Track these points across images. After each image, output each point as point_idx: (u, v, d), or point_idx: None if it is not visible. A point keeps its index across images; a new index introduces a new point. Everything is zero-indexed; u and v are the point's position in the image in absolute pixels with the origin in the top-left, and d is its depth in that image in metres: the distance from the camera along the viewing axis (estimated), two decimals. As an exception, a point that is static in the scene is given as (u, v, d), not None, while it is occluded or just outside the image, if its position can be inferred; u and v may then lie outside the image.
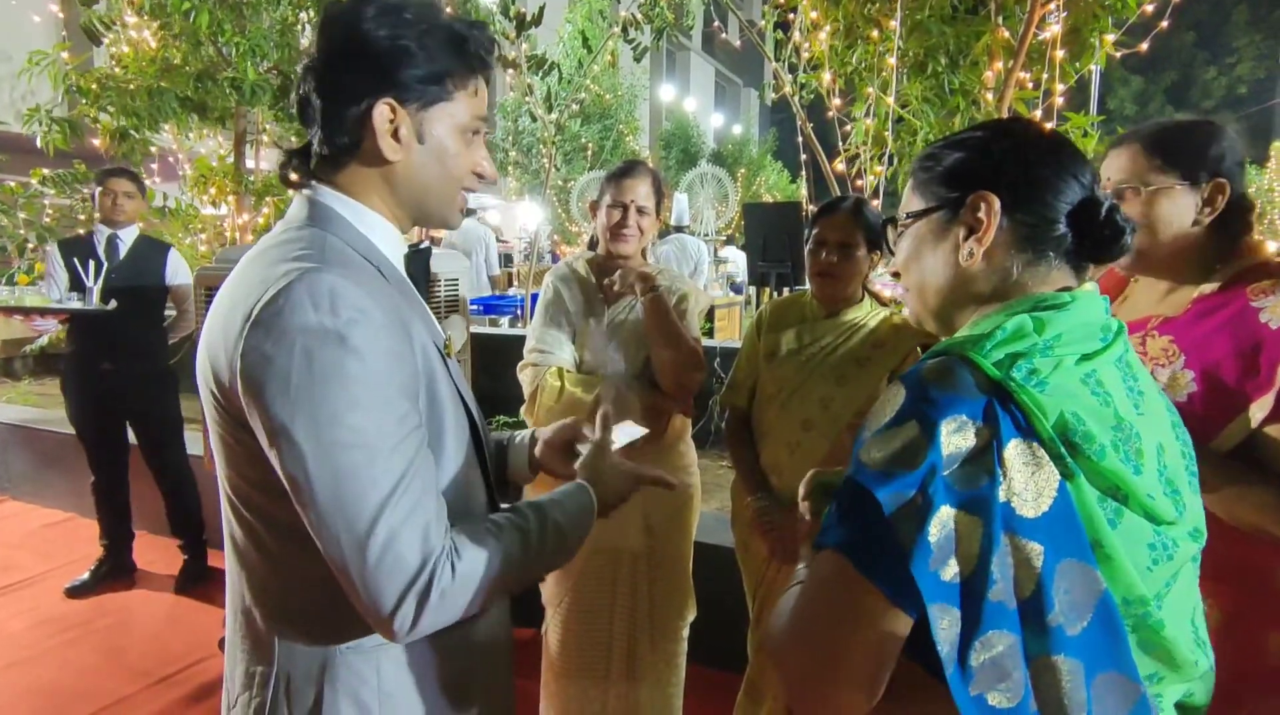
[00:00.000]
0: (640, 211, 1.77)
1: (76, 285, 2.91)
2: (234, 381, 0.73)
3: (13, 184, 5.27)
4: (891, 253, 0.86)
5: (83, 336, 2.99)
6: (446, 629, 0.79)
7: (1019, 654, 0.62)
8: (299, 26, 4.30)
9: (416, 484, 0.74)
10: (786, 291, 6.74)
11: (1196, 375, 1.11)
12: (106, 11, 4.09)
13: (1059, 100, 2.60)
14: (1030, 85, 3.01)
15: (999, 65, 2.93)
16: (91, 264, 2.92)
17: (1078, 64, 2.93)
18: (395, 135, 0.82)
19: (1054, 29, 2.63)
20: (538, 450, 1.11)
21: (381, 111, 0.80)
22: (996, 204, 0.74)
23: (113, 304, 2.87)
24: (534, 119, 5.51)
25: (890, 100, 2.82)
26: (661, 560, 1.83)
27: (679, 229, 6.65)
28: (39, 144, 4.21)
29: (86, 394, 3.00)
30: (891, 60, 2.72)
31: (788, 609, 0.71)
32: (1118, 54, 2.93)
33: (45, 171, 4.94)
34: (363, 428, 0.71)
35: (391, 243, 0.88)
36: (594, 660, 1.83)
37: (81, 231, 3.66)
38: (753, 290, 7.19)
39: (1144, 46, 2.92)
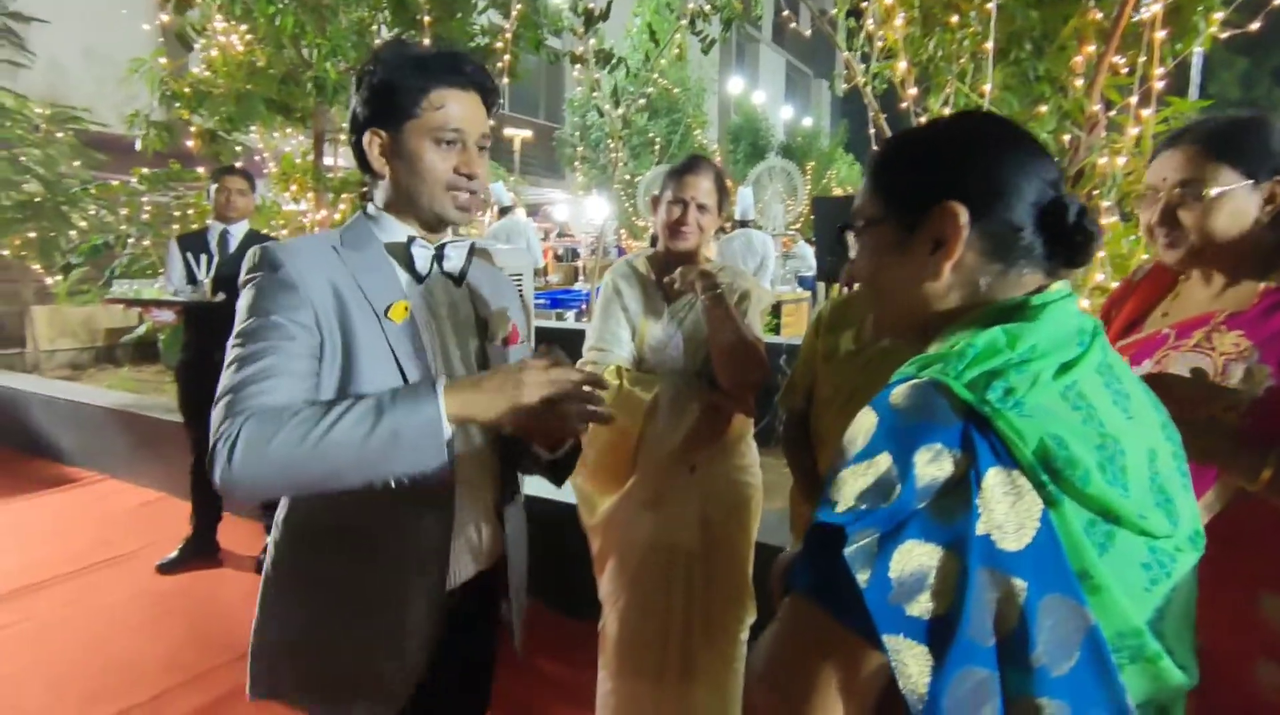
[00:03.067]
0: (701, 208, 1.74)
1: (192, 278, 3.09)
2: None
3: (115, 183, 5.63)
4: (846, 258, 0.81)
5: (196, 327, 3.17)
6: (335, 533, 1.06)
7: (994, 690, 0.58)
8: (375, 27, 4.43)
9: (251, 368, 0.94)
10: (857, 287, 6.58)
11: (1275, 369, 1.07)
12: (199, 18, 4.31)
13: (1158, 85, 2.42)
14: (1124, 71, 2.83)
15: (1089, 49, 2.75)
16: (204, 258, 3.10)
17: (1178, 46, 2.73)
18: (382, 155, 1.07)
19: (1154, 8, 2.45)
20: None
21: (367, 138, 1.07)
22: (964, 216, 0.68)
23: (221, 296, 3.03)
24: (601, 114, 5.55)
25: (978, 89, 2.68)
26: (719, 559, 1.80)
27: (744, 224, 6.58)
28: (138, 147, 4.48)
29: (198, 382, 3.13)
30: (984, 45, 2.57)
31: (762, 654, 0.67)
32: (1224, 34, 2.72)
33: (144, 170, 5.26)
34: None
35: (395, 235, 1.11)
36: (650, 660, 1.82)
37: (196, 227, 3.88)
38: (821, 286, 7.04)
39: (1255, 25, 2.69)
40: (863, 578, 0.58)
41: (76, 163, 5.81)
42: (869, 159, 0.78)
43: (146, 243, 5.44)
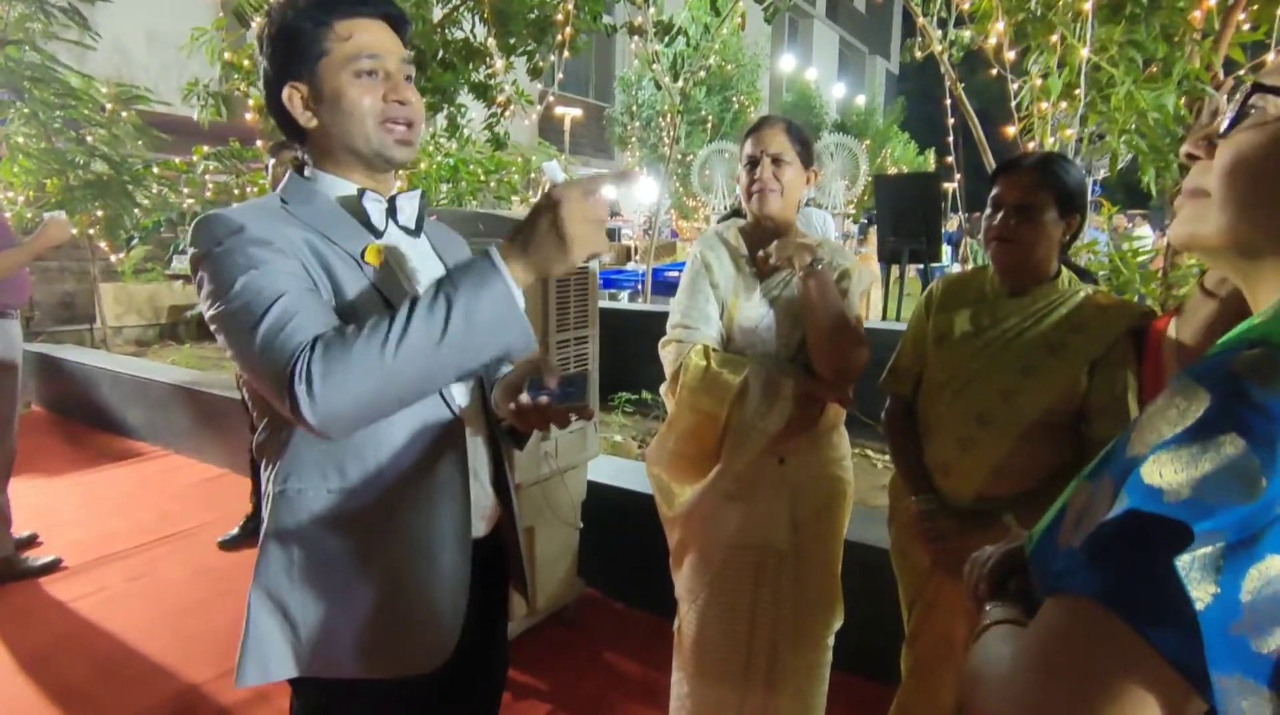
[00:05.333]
0: (776, 162, 1.58)
1: None
2: None
3: (178, 162, 5.69)
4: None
5: None
6: (357, 497, 0.99)
7: None
8: (431, 0, 4.33)
9: (272, 317, 0.87)
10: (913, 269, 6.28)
11: None
12: (257, -6, 4.27)
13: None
14: (1247, 27, 2.56)
15: (1209, 3, 2.49)
16: None
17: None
18: (306, 108, 0.99)
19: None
20: (495, 392, 1.13)
21: (286, 94, 0.99)
22: None
23: None
24: (658, 88, 5.37)
25: (1081, 49, 2.44)
26: (809, 561, 1.66)
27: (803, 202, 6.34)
28: (196, 118, 4.48)
29: None
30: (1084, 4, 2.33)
31: (1003, 668, 0.54)
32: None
33: (206, 148, 5.29)
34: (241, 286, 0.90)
35: (342, 190, 1.04)
36: (731, 663, 1.70)
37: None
38: (879, 268, 6.77)
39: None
40: (1201, 596, 0.45)
41: (140, 142, 5.89)
42: None
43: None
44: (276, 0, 1.01)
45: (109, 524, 3.45)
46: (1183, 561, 0.45)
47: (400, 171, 4.84)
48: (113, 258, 6.37)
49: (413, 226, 1.09)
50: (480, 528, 1.15)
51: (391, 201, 1.06)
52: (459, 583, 1.05)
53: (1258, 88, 0.57)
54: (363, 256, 0.99)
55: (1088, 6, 2.35)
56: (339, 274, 0.97)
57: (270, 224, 0.95)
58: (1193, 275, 2.37)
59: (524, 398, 1.02)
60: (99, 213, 5.76)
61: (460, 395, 1.09)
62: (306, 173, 1.05)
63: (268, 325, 0.86)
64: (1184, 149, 0.65)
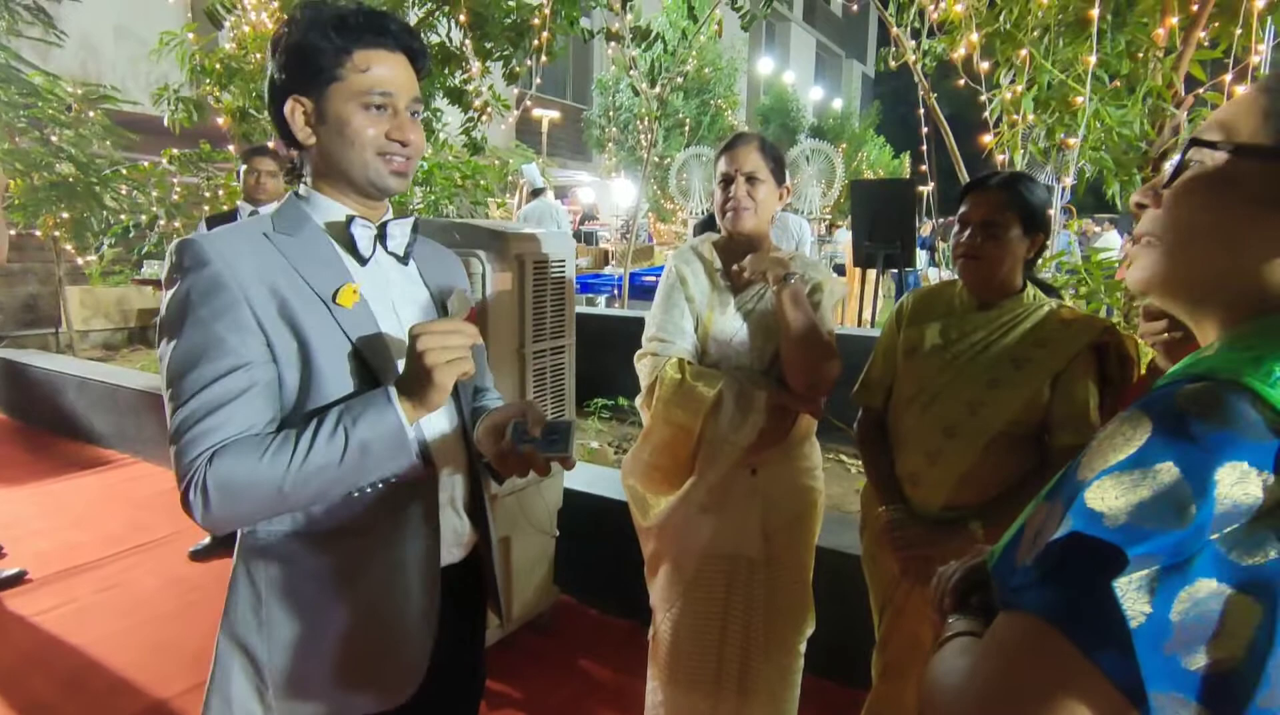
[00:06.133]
0: (750, 179, 1.60)
1: None
2: None
3: (145, 163, 5.59)
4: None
5: None
6: (326, 535, 0.99)
7: None
8: (409, 3, 4.31)
9: (201, 398, 0.89)
10: (893, 274, 6.34)
11: None
12: (230, -6, 4.22)
13: (1255, 60, 2.22)
14: (1207, 44, 2.63)
15: (1171, 21, 2.56)
16: None
17: (1270, 18, 2.52)
18: (307, 124, 0.98)
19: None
20: (478, 429, 1.13)
21: (289, 107, 0.98)
22: None
23: None
24: (635, 93, 5.38)
25: (1052, 62, 2.49)
26: (781, 570, 1.69)
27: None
28: (166, 123, 4.41)
29: None
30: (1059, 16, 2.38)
31: (957, 678, 0.57)
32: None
33: (174, 151, 5.21)
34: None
35: (332, 215, 1.03)
36: (704, 671, 1.72)
37: (227, 208, 3.83)
38: (856, 273, 6.84)
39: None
40: (1135, 616, 0.48)
41: (108, 143, 5.79)
42: (1267, 79, 0.61)
43: (177, 224, 5.41)
44: (297, 10, 0.99)
45: (75, 535, 3.38)
46: (1120, 583, 0.48)
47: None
48: (80, 260, 6.24)
49: (401, 253, 1.08)
50: (455, 554, 1.15)
51: (383, 227, 1.05)
52: (428, 616, 1.05)
53: (1194, 142, 0.61)
54: (335, 298, 0.98)
55: (1054, 23, 2.41)
56: (304, 322, 0.95)
57: (241, 260, 0.93)
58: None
59: (506, 444, 1.03)
60: (64, 214, 5.64)
61: (439, 424, 1.09)
62: (301, 190, 1.04)
63: (186, 413, 0.89)
64: (1134, 199, 0.69)
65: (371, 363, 0.98)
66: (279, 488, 0.88)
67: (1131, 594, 0.48)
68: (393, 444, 0.92)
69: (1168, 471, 0.49)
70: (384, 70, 0.97)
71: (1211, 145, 0.59)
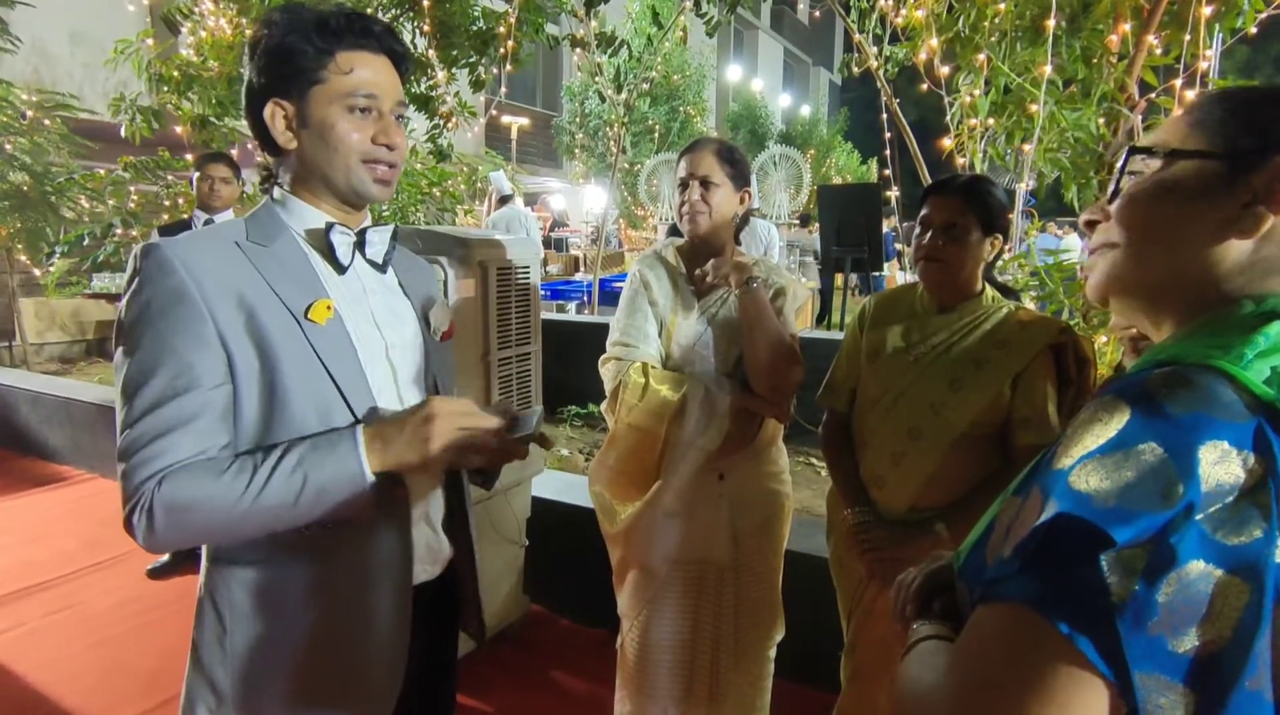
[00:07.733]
0: (706, 184, 1.60)
1: None
2: None
3: (102, 172, 5.45)
4: (1100, 195, 0.69)
5: None
6: (292, 555, 0.95)
7: None
8: (372, 9, 4.26)
9: (152, 418, 0.86)
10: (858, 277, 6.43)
11: None
12: (187, 0, 4.14)
13: (1204, 65, 2.28)
14: (1159, 51, 2.69)
15: (1124, 28, 2.62)
16: None
17: (1217, 25, 2.59)
18: (288, 128, 0.95)
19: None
20: None
21: (269, 110, 0.95)
22: None
23: None
24: (603, 99, 5.39)
25: (1010, 67, 2.53)
26: (750, 575, 1.68)
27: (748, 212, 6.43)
28: (123, 133, 4.31)
29: None
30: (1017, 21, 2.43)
31: (933, 677, 0.56)
32: (1265, 13, 2.58)
33: (130, 159, 5.09)
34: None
35: (310, 222, 1.00)
36: (674, 679, 1.70)
37: (185, 216, 3.76)
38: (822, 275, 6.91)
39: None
40: (1120, 598, 0.47)
41: (64, 151, 5.64)
42: (1198, 97, 0.67)
43: (135, 233, 5.28)
44: (275, 12, 0.95)
45: (29, 552, 3.27)
46: (1106, 562, 0.48)
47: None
48: (35, 271, 6.07)
49: (380, 261, 1.05)
50: (430, 571, 1.12)
51: (362, 234, 1.02)
52: (397, 640, 1.03)
53: (1133, 150, 0.65)
54: (307, 314, 0.94)
55: (1010, 28, 2.45)
56: (272, 338, 0.91)
57: (207, 271, 0.89)
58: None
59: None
60: (18, 224, 5.48)
61: None
62: (276, 194, 1.01)
63: (138, 432, 0.86)
64: (1083, 218, 0.72)
65: (341, 383, 0.95)
66: (228, 518, 0.86)
67: (1116, 575, 0.48)
68: (351, 492, 0.88)
69: (1151, 452, 0.49)
70: (368, 72, 0.95)
71: (1148, 151, 0.64)
